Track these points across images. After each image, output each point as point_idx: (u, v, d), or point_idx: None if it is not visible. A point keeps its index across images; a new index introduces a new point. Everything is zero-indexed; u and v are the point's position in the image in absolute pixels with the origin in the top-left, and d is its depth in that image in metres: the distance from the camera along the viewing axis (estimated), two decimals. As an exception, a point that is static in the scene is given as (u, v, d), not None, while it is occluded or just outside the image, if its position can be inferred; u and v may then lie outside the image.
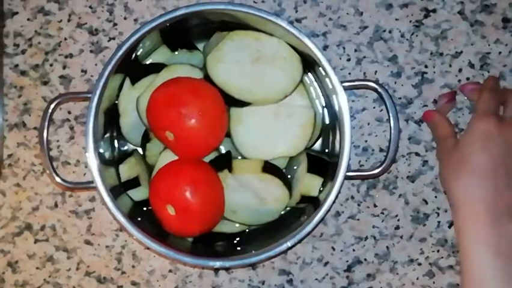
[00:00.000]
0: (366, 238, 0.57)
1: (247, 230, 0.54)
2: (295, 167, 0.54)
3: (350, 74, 0.57)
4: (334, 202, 0.49)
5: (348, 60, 0.57)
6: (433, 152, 0.57)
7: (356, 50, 0.57)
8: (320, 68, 0.50)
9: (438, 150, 0.54)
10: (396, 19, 0.57)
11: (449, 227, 0.57)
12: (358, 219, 0.57)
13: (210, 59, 0.51)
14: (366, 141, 0.57)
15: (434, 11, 0.57)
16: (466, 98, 0.57)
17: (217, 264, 0.50)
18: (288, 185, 0.52)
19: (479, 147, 0.49)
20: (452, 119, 0.57)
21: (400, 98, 0.57)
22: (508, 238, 0.47)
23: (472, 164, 0.49)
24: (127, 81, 0.53)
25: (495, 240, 0.47)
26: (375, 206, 0.57)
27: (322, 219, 0.49)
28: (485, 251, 0.47)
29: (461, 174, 0.49)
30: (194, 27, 0.54)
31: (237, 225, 0.54)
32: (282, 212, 0.54)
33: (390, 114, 0.51)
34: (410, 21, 0.57)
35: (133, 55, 0.52)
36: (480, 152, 0.49)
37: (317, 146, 0.55)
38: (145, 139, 0.53)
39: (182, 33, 0.54)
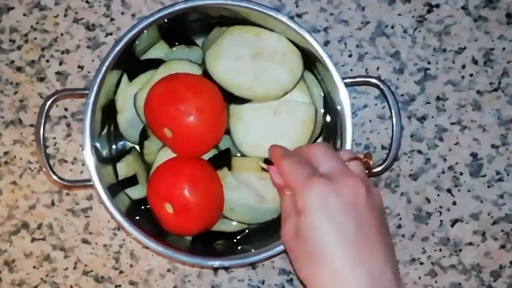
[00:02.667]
0: (368, 237, 0.56)
1: (246, 229, 0.54)
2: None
3: (351, 70, 0.56)
4: (335, 201, 0.49)
5: (350, 56, 0.57)
6: (436, 150, 0.56)
7: (357, 46, 0.56)
8: (321, 64, 0.50)
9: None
10: (399, 14, 0.56)
11: (452, 226, 0.56)
12: (359, 218, 0.56)
13: (209, 54, 0.51)
14: (368, 138, 0.56)
15: (437, 6, 0.57)
16: (469, 93, 0.56)
17: (217, 263, 0.50)
18: (289, 183, 0.52)
19: (322, 229, 0.37)
20: (455, 117, 0.56)
21: (402, 95, 0.56)
22: None
23: (324, 255, 0.37)
24: (125, 78, 0.53)
25: None
26: (376, 204, 0.56)
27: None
28: None
29: (316, 273, 0.38)
30: (193, 23, 0.53)
31: (237, 224, 0.53)
32: (282, 211, 0.53)
33: (393, 111, 0.51)
34: (413, 17, 0.56)
35: (131, 51, 0.51)
36: (326, 234, 0.37)
37: (318, 143, 0.55)
38: (143, 136, 0.53)
39: (180, 28, 0.53)
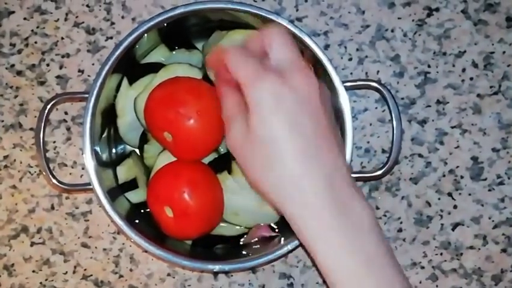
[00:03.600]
0: (368, 241, 0.56)
1: (246, 233, 0.53)
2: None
3: (351, 73, 0.56)
4: (336, 204, 0.48)
5: (350, 59, 0.57)
6: (436, 153, 0.56)
7: (357, 50, 0.56)
8: (321, 68, 0.50)
9: (228, 140, 0.39)
10: (399, 18, 0.57)
11: (453, 229, 0.56)
12: (360, 222, 0.56)
13: (209, 58, 0.50)
14: (368, 142, 0.56)
15: (437, 9, 0.57)
16: (469, 96, 0.56)
17: (217, 267, 0.49)
18: (289, 186, 0.51)
19: (276, 124, 0.35)
20: (455, 120, 0.56)
21: (403, 98, 0.56)
22: (358, 224, 0.35)
23: (280, 151, 0.35)
24: (125, 81, 0.52)
25: (346, 238, 0.35)
26: (377, 208, 0.56)
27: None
28: (340, 253, 0.35)
29: (271, 172, 0.36)
30: (193, 26, 0.53)
31: (237, 227, 0.53)
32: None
33: (393, 115, 0.51)
34: (413, 20, 0.56)
35: (131, 55, 0.51)
36: (281, 130, 0.35)
37: (318, 147, 0.55)
38: (143, 140, 0.53)
39: (180, 32, 0.53)
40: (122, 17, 0.57)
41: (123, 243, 0.56)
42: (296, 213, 0.36)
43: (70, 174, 0.57)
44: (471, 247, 0.56)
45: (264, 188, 0.37)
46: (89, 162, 0.49)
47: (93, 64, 0.57)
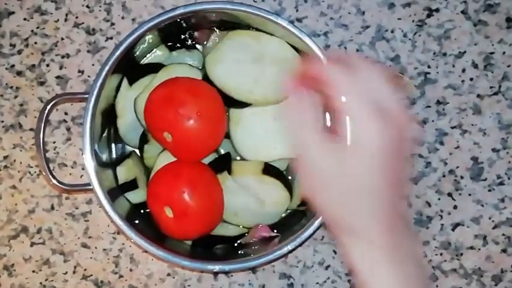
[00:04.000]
0: (368, 241, 0.56)
1: (246, 233, 0.53)
2: (296, 169, 0.53)
3: (351, 74, 0.56)
4: (335, 205, 0.48)
5: (350, 60, 0.57)
6: (437, 154, 0.56)
7: (357, 50, 0.56)
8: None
9: (301, 163, 0.38)
10: (399, 18, 0.57)
11: (453, 230, 0.56)
12: (360, 222, 0.56)
13: (209, 59, 0.51)
14: (368, 142, 0.56)
15: (437, 10, 0.57)
16: (469, 97, 0.56)
17: (217, 267, 0.49)
18: (289, 187, 0.52)
19: (373, 165, 0.35)
20: (455, 121, 0.56)
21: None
22: (407, 255, 0.37)
23: (367, 188, 0.36)
24: (125, 82, 0.53)
25: (401, 276, 0.36)
26: (377, 208, 0.56)
27: (323, 223, 0.48)
28: (382, 272, 0.36)
29: (348, 202, 0.36)
30: (193, 27, 0.53)
31: (237, 228, 0.53)
32: (283, 215, 0.53)
33: (393, 115, 0.51)
34: (413, 21, 0.57)
35: (131, 55, 0.51)
36: (377, 171, 0.35)
37: (318, 147, 0.55)
38: (143, 140, 0.53)
39: (180, 32, 0.53)
40: (122, 18, 0.57)
41: (123, 244, 0.56)
42: (355, 240, 0.37)
43: (70, 174, 0.57)
44: (471, 247, 0.56)
45: (334, 212, 0.37)
46: (89, 163, 0.49)
47: (93, 64, 0.57)
